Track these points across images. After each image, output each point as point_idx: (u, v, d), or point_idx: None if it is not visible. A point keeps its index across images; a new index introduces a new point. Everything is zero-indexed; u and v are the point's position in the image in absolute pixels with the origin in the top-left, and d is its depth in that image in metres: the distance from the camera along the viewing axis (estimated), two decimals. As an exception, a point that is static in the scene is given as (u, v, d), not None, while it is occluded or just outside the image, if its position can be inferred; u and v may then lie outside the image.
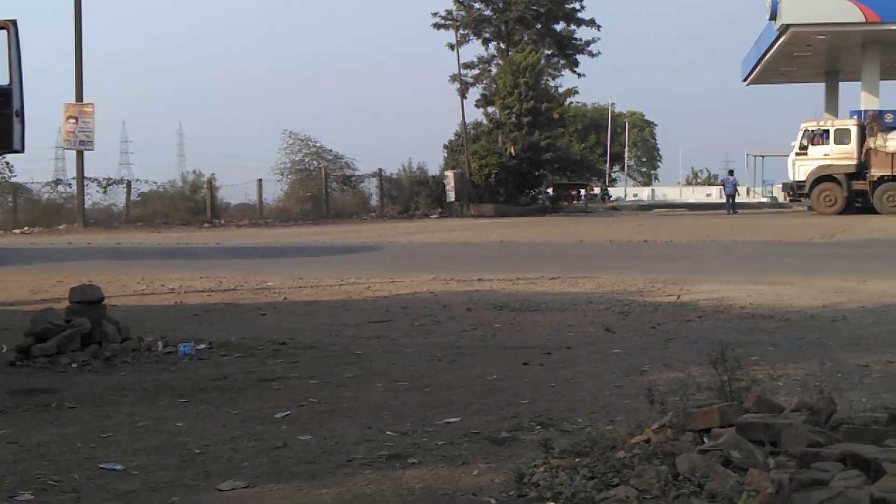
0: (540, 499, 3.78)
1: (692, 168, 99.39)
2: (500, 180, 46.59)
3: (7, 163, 35.85)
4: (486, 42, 55.77)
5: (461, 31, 53.25)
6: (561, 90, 53.80)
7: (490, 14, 54.86)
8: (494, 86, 51.59)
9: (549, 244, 22.86)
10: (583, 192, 58.70)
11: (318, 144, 45.26)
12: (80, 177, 33.63)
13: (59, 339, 7.42)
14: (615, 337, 8.33)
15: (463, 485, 4.15)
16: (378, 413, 5.57)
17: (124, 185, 38.29)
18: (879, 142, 34.98)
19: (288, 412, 5.63)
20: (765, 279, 12.98)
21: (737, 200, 45.33)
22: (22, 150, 9.22)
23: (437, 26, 53.70)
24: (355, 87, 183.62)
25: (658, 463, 3.81)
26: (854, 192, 35.70)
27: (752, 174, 74.90)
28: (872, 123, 35.93)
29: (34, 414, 5.73)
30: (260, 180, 40.04)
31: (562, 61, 56.33)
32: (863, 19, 37.54)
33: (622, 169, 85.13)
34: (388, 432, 5.10)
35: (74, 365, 7.19)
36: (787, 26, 38.44)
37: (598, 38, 55.74)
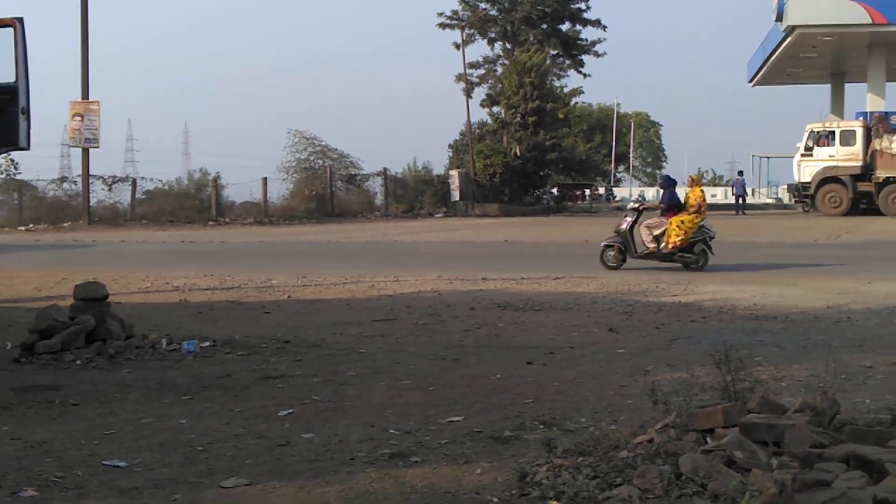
0: (542, 498, 3.78)
1: (698, 168, 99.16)
2: (504, 180, 46.57)
3: (13, 160, 35.88)
4: (491, 42, 55.78)
5: (467, 31, 53.23)
6: (566, 90, 53.77)
7: (496, 14, 54.85)
8: (500, 86, 51.53)
9: (553, 244, 22.85)
10: (587, 192, 58.65)
11: (323, 143, 45.28)
12: (86, 174, 33.68)
13: (64, 336, 7.44)
14: (619, 337, 8.33)
15: (466, 483, 4.15)
16: (381, 411, 5.58)
17: (129, 182, 38.31)
18: (885, 143, 34.89)
19: (291, 410, 5.64)
20: (769, 280, 12.97)
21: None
22: (28, 148, 9.22)
23: (443, 26, 53.75)
24: (361, 87, 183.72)
25: (661, 463, 3.81)
26: (859, 193, 35.61)
27: (758, 175, 74.80)
28: (878, 125, 35.83)
29: (38, 410, 5.75)
30: (265, 179, 40.04)
31: (567, 61, 56.27)
32: (869, 21, 37.45)
33: (627, 169, 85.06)
34: (392, 431, 5.11)
35: (78, 362, 7.21)
36: (794, 27, 38.36)
37: (604, 39, 55.81)
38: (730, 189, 56.83)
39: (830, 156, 36.11)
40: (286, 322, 9.48)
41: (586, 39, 55.64)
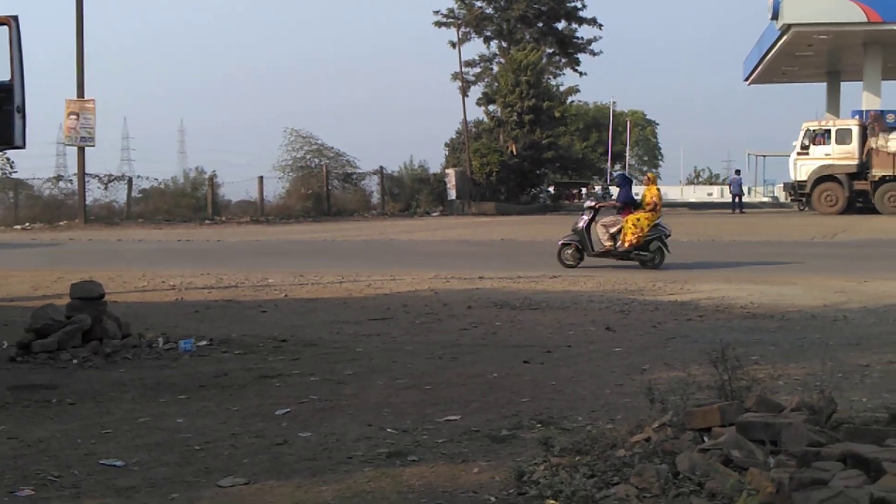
0: (540, 497, 3.78)
1: (694, 167, 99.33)
2: (501, 178, 46.57)
3: (8, 159, 35.82)
4: (487, 40, 55.76)
5: (463, 30, 53.20)
6: (562, 89, 53.81)
7: (492, 12, 54.84)
8: (496, 84, 51.54)
9: (549, 242, 22.75)
10: (584, 190, 58.67)
11: (319, 142, 45.18)
12: (82, 173, 33.60)
13: (60, 335, 7.43)
14: (616, 336, 8.33)
15: (463, 482, 4.15)
16: (378, 410, 5.57)
17: (125, 181, 38.20)
18: (881, 142, 34.93)
19: (288, 409, 5.64)
20: (766, 278, 12.98)
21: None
22: (23, 146, 9.21)
23: (439, 24, 53.71)
24: (357, 85, 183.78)
25: (658, 462, 3.81)
26: (855, 192, 35.65)
27: (754, 174, 74.83)
28: (874, 123, 35.86)
29: (35, 410, 5.74)
30: (261, 177, 39.96)
31: (563, 60, 56.28)
32: (865, 19, 37.49)
33: (623, 168, 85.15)
34: (389, 430, 5.11)
35: (75, 361, 7.20)
36: (789, 26, 38.39)
37: (600, 37, 55.77)
38: (726, 188, 56.92)
39: (826, 154, 36.16)
40: (283, 321, 9.47)
41: (582, 38, 55.68)
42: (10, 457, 4.66)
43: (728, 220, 33.39)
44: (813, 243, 21.09)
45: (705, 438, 3.99)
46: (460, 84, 50.35)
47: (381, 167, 44.76)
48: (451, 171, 44.83)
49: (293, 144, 44.55)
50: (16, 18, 9.01)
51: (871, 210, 34.92)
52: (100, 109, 33.45)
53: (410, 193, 45.56)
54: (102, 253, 20.20)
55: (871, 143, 35.35)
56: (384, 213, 42.10)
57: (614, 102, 78.44)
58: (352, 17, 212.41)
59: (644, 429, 4.35)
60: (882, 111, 37.62)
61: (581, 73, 56.05)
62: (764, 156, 71.93)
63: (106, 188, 37.09)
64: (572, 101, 59.37)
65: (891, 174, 34.83)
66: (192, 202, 38.41)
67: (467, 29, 54.05)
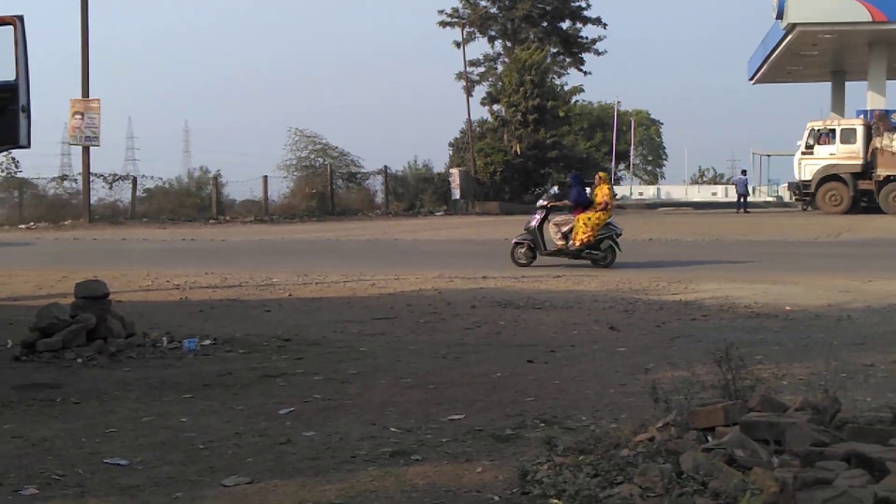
0: (543, 496, 3.78)
1: (699, 167, 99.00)
2: (505, 178, 46.58)
3: (13, 158, 35.90)
4: (491, 40, 55.78)
5: (467, 29, 53.23)
6: (567, 88, 53.78)
7: (496, 12, 54.85)
8: (500, 84, 51.51)
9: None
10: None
11: (323, 141, 45.27)
12: (86, 172, 33.68)
13: (65, 334, 7.44)
14: (620, 335, 8.33)
15: (466, 482, 4.15)
16: (382, 410, 5.58)
17: (130, 181, 38.29)
18: (886, 141, 34.86)
19: (292, 408, 5.64)
20: (770, 278, 12.96)
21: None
22: (28, 146, 9.21)
23: (444, 24, 53.74)
24: (361, 85, 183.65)
25: (662, 461, 3.81)
26: (860, 191, 35.59)
27: (758, 173, 74.69)
28: (879, 123, 35.79)
29: (39, 409, 5.75)
30: (265, 177, 40.03)
31: (567, 59, 56.29)
32: (870, 18, 37.43)
33: (628, 167, 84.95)
34: (392, 429, 5.11)
35: (79, 360, 7.21)
36: (794, 25, 38.34)
37: (604, 37, 55.83)
38: (731, 187, 56.86)
39: (831, 154, 36.09)
40: (287, 320, 9.48)
41: (587, 37, 55.71)
42: (14, 455, 4.67)
43: (732, 220, 33.35)
44: (817, 243, 21.06)
45: (709, 438, 3.99)
46: (464, 84, 50.40)
47: (386, 167, 44.83)
48: (455, 171, 44.86)
49: (297, 144, 44.68)
50: (21, 18, 9.02)
51: (875, 210, 34.86)
52: (105, 110, 33.53)
53: (414, 193, 45.58)
54: (107, 252, 20.23)
55: (876, 142, 35.29)
56: (388, 213, 42.13)
57: (619, 102, 78.29)
58: (355, 18, 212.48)
59: (648, 428, 4.34)
60: (887, 111, 37.54)
61: (585, 73, 56.16)
62: (768, 155, 71.72)
63: (110, 188, 37.22)
64: (576, 101, 59.30)
65: (895, 174, 34.77)
66: (196, 202, 38.48)
67: (471, 29, 54.10)
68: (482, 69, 55.62)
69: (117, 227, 31.41)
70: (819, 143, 36.43)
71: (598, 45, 55.50)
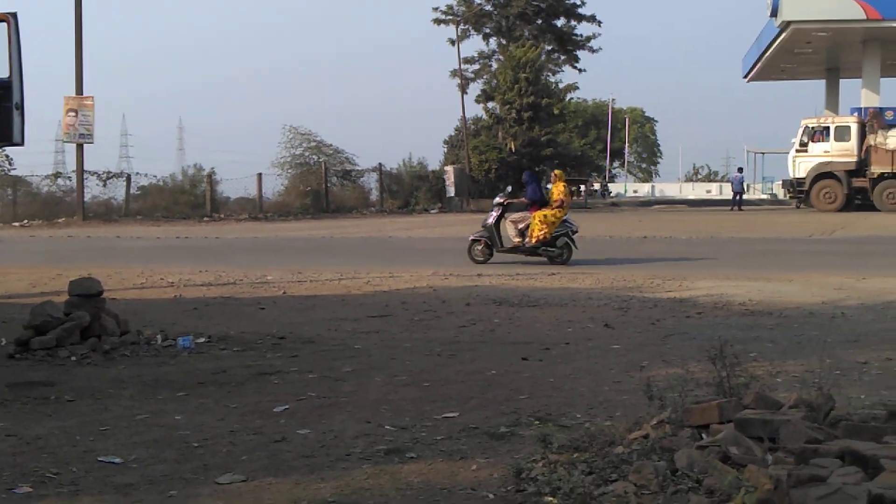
0: (538, 494, 3.78)
1: (693, 164, 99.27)
2: (500, 175, 46.60)
3: (7, 156, 35.85)
4: (486, 37, 55.79)
5: (462, 27, 53.24)
6: (561, 86, 53.85)
7: (491, 9, 54.86)
8: (495, 81, 51.55)
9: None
10: (583, 187, 58.68)
11: (318, 139, 45.18)
12: (80, 170, 33.58)
13: (59, 332, 7.42)
14: (614, 333, 8.33)
15: (461, 479, 4.15)
16: (377, 407, 5.57)
17: (124, 178, 38.18)
18: (880, 139, 34.92)
19: (287, 406, 5.64)
20: (764, 275, 12.98)
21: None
22: (22, 143, 9.20)
23: (438, 21, 53.75)
24: (355, 83, 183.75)
25: (656, 459, 3.81)
26: (854, 189, 35.66)
27: (753, 171, 74.81)
28: (873, 121, 35.85)
29: (33, 407, 5.73)
30: (260, 174, 39.92)
31: (562, 57, 56.34)
32: (864, 16, 37.48)
33: (622, 165, 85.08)
34: (387, 427, 5.11)
35: (73, 358, 7.20)
36: (788, 23, 38.37)
37: (599, 34, 55.94)
38: (725, 185, 56.96)
39: (825, 151, 36.15)
40: (281, 318, 9.47)
41: (581, 35, 55.77)
42: (8, 454, 4.66)
43: (727, 218, 33.38)
44: (811, 240, 21.09)
45: (704, 435, 4.00)
46: (459, 81, 50.37)
47: (380, 164, 44.77)
48: (449, 169, 44.82)
49: (292, 142, 44.59)
50: (14, 15, 9.00)
51: (869, 207, 34.94)
52: (101, 110, 33.56)
53: (409, 190, 45.55)
54: (101, 250, 20.19)
55: (870, 140, 35.36)
56: (383, 211, 42.08)
57: (613, 99, 78.54)
58: (353, 18, 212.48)
59: (642, 426, 4.35)
60: (881, 108, 37.63)
61: (580, 70, 56.21)
62: (763, 153, 71.87)
63: (104, 185, 37.10)
64: (571, 98, 59.43)
65: (889, 171, 34.84)
66: (190, 199, 38.38)
67: (466, 26, 54.09)
68: (477, 66, 55.70)
69: (111, 225, 31.35)
70: (813, 141, 36.48)
71: (593, 43, 55.64)
